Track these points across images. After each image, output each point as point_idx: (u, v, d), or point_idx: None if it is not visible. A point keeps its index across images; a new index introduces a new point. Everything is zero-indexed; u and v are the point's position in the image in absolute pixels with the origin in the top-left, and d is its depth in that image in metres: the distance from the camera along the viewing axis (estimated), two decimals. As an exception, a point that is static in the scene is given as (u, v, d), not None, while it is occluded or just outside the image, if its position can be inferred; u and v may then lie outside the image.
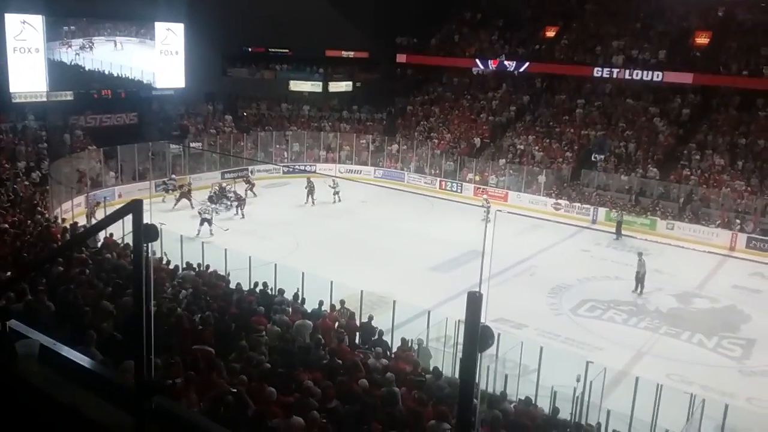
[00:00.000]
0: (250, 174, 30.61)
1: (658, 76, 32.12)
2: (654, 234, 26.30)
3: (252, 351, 9.14)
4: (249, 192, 27.80)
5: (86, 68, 29.55)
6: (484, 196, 28.71)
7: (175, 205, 26.05)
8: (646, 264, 19.96)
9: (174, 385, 6.74)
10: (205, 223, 22.62)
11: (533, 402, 10.43)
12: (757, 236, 25.18)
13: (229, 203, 26.43)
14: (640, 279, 19.83)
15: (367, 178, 33.10)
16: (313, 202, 27.40)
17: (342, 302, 13.78)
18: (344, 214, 26.22)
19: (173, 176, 28.39)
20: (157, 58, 31.81)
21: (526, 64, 35.54)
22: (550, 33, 37.43)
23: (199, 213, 23.27)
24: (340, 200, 27.87)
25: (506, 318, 16.34)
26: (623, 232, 25.93)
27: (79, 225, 17.81)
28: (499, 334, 10.21)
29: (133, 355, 2.85)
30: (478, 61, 37.08)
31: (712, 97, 32.39)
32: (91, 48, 29.54)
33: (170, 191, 27.20)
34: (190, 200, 26.20)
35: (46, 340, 3.15)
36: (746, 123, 30.49)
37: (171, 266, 14.76)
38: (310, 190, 27.62)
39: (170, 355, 7.84)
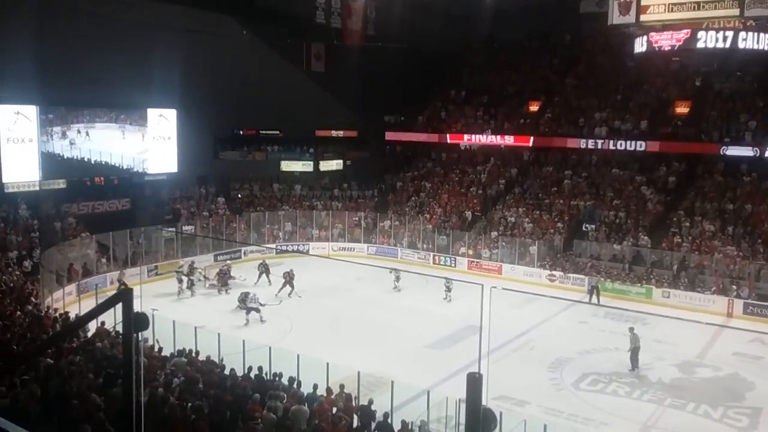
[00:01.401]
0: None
1: (641, 145, 32.80)
2: (650, 303, 26.15)
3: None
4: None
5: (79, 157, 29.86)
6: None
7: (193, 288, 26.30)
8: (639, 338, 19.23)
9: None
10: (252, 312, 22.10)
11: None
12: (753, 302, 25.10)
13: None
14: (634, 355, 19.06)
15: (360, 255, 33.04)
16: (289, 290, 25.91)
17: (341, 386, 13.44)
18: (338, 292, 26.02)
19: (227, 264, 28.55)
20: (150, 144, 32.27)
21: (512, 137, 36.29)
22: (534, 107, 38.39)
23: (242, 303, 22.62)
24: (398, 289, 27.32)
25: (507, 395, 15.99)
26: (603, 296, 26.47)
27: (70, 314, 17.54)
28: (501, 413, 9.97)
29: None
30: (465, 136, 37.85)
31: (697, 164, 32.98)
32: (86, 136, 29.98)
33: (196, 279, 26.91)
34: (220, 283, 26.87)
35: (32, 439, 3.03)
36: (732, 188, 30.93)
37: (164, 352, 14.46)
38: (264, 271, 27.38)
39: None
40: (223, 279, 26.78)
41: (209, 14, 33.33)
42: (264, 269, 27.36)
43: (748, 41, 25.70)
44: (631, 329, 19.41)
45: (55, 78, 26.72)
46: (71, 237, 27.17)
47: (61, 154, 29.17)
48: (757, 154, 29.93)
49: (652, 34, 27.33)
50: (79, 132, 29.88)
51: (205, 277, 27.34)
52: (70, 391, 9.33)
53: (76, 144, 29.73)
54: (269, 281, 26.95)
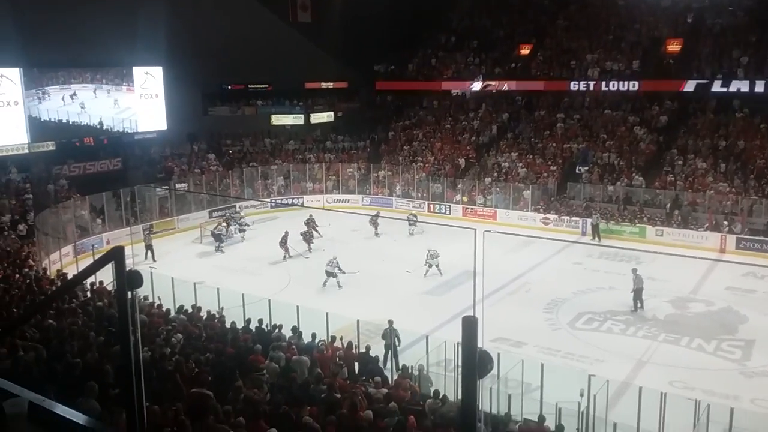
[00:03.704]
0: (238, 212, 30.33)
1: (634, 85, 32.57)
2: (644, 242, 26.39)
3: (252, 390, 9.02)
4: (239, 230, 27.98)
5: (67, 119, 29.51)
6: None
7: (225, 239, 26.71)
8: (642, 279, 19.36)
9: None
10: (331, 277, 21.17)
11: (545, 419, 10.28)
12: (746, 237, 25.33)
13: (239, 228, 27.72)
14: (638, 295, 19.26)
15: (355, 206, 33.08)
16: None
17: (340, 338, 13.67)
18: (335, 244, 26.12)
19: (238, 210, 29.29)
20: (137, 102, 31.86)
21: (505, 83, 35.95)
22: (525, 51, 37.89)
23: (328, 272, 21.33)
24: (417, 233, 27.47)
25: (504, 337, 16.26)
26: (602, 236, 27.03)
27: (67, 275, 17.62)
28: (498, 354, 10.16)
29: (126, 406, 2.78)
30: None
31: (688, 102, 32.80)
32: (72, 97, 29.56)
33: (232, 225, 27.81)
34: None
35: (35, 397, 3.07)
36: (725, 125, 30.86)
37: (163, 310, 14.60)
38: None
39: (168, 401, 7.71)
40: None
41: (191, -34, 32.49)
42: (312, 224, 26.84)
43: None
44: (634, 270, 19.51)
45: (38, 39, 26.17)
46: (64, 199, 27.08)
47: (48, 116, 28.79)
48: (750, 90, 29.79)
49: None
50: (70, 96, 29.45)
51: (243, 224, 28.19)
52: (71, 351, 9.44)
53: (64, 106, 29.33)
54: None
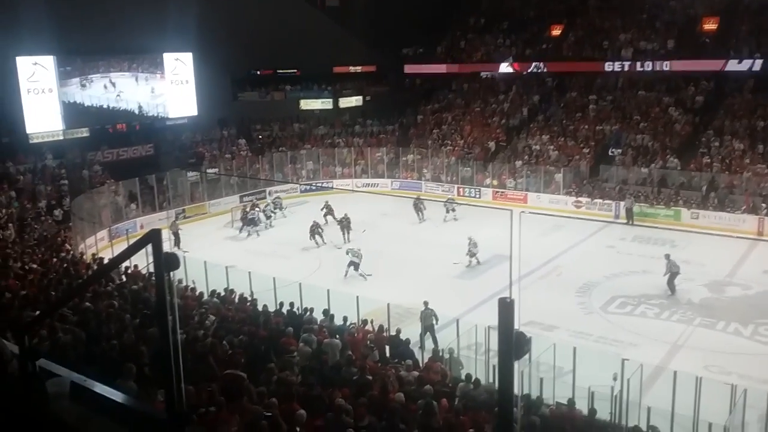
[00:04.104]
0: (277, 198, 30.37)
1: (668, 65, 31.86)
2: (679, 224, 25.93)
3: (283, 372, 9.11)
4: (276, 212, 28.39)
5: (101, 104, 29.94)
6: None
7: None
8: (677, 264, 19.02)
9: (207, 414, 6.71)
10: (351, 267, 20.58)
11: (575, 404, 10.21)
12: (785, 219, 24.73)
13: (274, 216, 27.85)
14: (671, 280, 18.92)
15: (384, 191, 33.07)
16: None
17: (371, 321, 13.74)
18: (365, 226, 26.18)
19: (279, 196, 29.73)
20: (168, 89, 32.18)
21: (539, 64, 35.44)
22: (556, 31, 37.27)
23: (350, 257, 20.84)
24: (455, 219, 27.12)
25: (536, 321, 16.14)
26: (636, 220, 26.56)
27: (102, 259, 17.96)
28: (530, 338, 10.09)
29: (164, 385, 2.81)
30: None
31: (725, 82, 32.00)
32: (113, 85, 30.01)
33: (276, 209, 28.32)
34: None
35: (76, 377, 3.13)
36: (762, 105, 30.03)
37: (197, 293, 14.82)
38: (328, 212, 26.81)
39: (203, 382, 7.82)
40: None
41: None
42: (328, 210, 26.60)
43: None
44: (667, 256, 19.23)
45: (71, 27, 26.55)
46: (98, 184, 27.55)
47: (82, 102, 29.26)
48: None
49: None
50: (106, 86, 29.95)
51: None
52: (108, 333, 9.63)
53: (99, 93, 29.76)
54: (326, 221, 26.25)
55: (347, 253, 21.02)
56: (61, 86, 28.24)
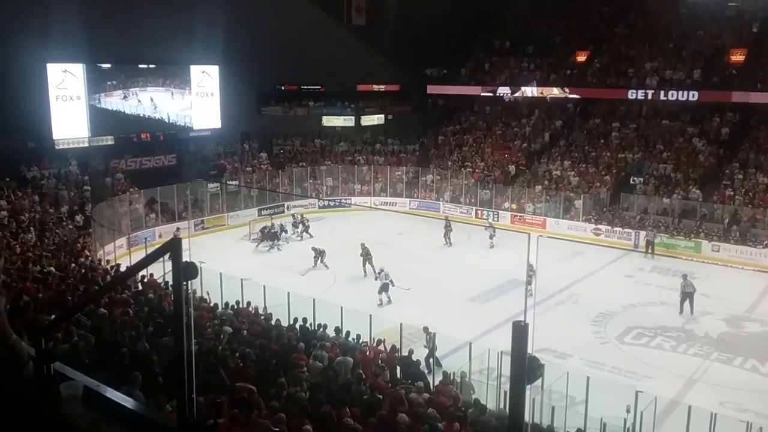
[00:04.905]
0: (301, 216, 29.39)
1: (694, 95, 31.68)
2: (699, 257, 25.63)
3: (293, 387, 9.09)
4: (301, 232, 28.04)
5: (126, 113, 30.37)
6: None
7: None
8: (692, 285, 19.35)
9: (217, 425, 6.71)
10: (383, 293, 19.74)
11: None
12: (807, 255, 24.35)
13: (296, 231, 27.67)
14: (688, 298, 19.20)
15: (402, 210, 33.09)
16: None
17: (383, 340, 13.67)
18: (381, 246, 26.15)
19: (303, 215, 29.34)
20: (194, 100, 32.59)
21: (563, 89, 35.41)
22: (581, 57, 37.27)
23: (378, 278, 20.10)
24: (493, 245, 26.12)
25: (550, 348, 15.97)
26: (656, 252, 26.09)
27: (120, 266, 18.11)
28: (543, 364, 10.00)
29: (176, 395, 2.82)
30: (509, 88, 37.06)
31: (751, 114, 31.74)
32: (131, 98, 30.48)
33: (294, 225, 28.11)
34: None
35: (89, 381, 3.15)
36: (789, 139, 29.76)
37: (211, 304, 14.87)
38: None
39: (213, 393, 7.83)
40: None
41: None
42: (366, 255, 23.10)
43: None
44: (684, 276, 19.58)
45: (100, 36, 27.01)
46: (120, 192, 27.86)
47: (113, 110, 29.74)
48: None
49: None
50: (132, 96, 30.52)
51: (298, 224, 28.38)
52: (122, 340, 9.69)
53: (124, 102, 30.24)
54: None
55: (377, 279, 20.08)
56: (93, 94, 28.72)
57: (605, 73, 35.52)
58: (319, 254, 23.68)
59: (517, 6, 42.25)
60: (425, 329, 14.85)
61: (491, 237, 26.28)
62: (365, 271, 22.48)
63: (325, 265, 23.54)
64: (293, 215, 29.25)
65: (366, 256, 22.71)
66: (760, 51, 32.62)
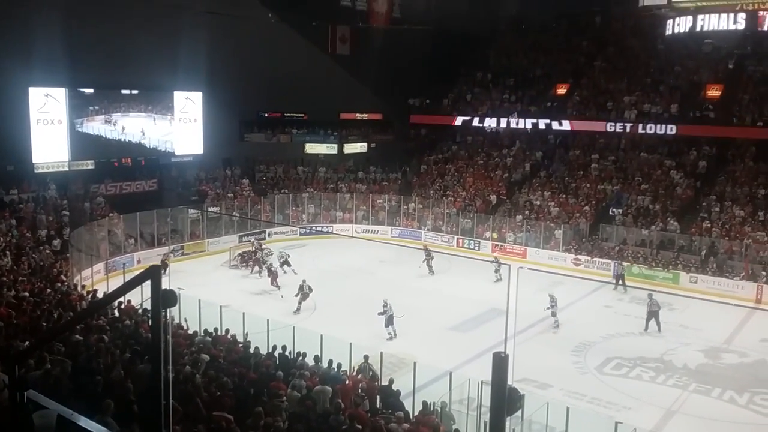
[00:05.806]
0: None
1: (671, 129, 32.26)
2: (677, 288, 25.85)
3: (271, 417, 8.96)
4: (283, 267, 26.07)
5: (108, 137, 30.21)
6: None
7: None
8: (657, 303, 20.30)
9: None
10: (390, 326, 19.26)
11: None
12: (783, 288, 24.67)
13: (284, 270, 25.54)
14: (654, 317, 20.18)
15: (384, 238, 33.08)
16: None
17: (363, 365, 13.55)
18: (361, 274, 26.12)
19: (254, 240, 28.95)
20: (176, 126, 32.53)
21: (543, 121, 35.89)
22: (561, 90, 37.88)
23: (384, 311, 19.39)
24: (500, 279, 25.23)
25: (530, 378, 15.93)
26: (629, 283, 26.05)
27: (97, 292, 17.84)
28: (523, 395, 9.97)
29: (151, 424, 2.78)
30: (489, 119, 37.49)
31: (728, 148, 32.37)
32: (114, 123, 30.33)
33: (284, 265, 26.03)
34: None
35: (63, 410, 3.09)
36: (764, 173, 30.30)
37: (189, 332, 14.67)
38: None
39: (190, 422, 7.69)
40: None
41: (234, -4, 33.35)
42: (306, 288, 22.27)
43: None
44: (650, 295, 20.28)
45: (83, 61, 26.98)
46: (99, 217, 27.59)
47: (94, 133, 29.57)
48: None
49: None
50: (114, 121, 30.41)
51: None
52: (97, 367, 9.51)
53: (105, 126, 30.10)
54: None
55: (382, 313, 19.43)
56: (76, 119, 28.57)
57: (585, 105, 36.10)
58: (304, 296, 22.07)
59: (500, 42, 42.98)
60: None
61: (496, 271, 25.51)
62: (299, 309, 21.61)
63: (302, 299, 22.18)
64: (280, 251, 27.11)
65: (303, 293, 21.83)
66: (736, 86, 33.39)
